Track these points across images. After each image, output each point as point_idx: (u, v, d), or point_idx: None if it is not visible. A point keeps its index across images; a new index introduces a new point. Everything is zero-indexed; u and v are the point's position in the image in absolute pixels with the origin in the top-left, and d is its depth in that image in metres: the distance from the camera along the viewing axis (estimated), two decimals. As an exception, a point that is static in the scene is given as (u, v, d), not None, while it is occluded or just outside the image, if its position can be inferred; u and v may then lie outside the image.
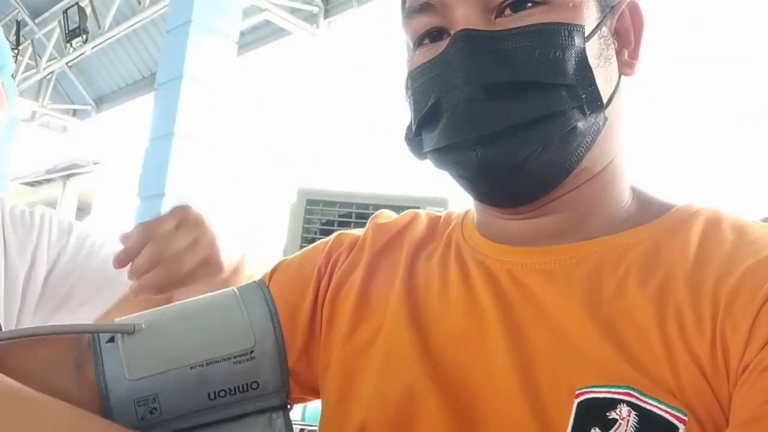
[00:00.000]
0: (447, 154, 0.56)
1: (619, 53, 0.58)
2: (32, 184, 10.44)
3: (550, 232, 0.57)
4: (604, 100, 0.54)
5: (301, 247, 1.65)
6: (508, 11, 0.54)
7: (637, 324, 0.49)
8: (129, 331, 0.53)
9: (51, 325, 0.53)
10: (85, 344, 0.55)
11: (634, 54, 0.59)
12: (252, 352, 0.55)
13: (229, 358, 0.54)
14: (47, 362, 0.56)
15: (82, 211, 9.95)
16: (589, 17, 0.55)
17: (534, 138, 0.52)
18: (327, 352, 0.62)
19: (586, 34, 0.54)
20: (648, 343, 0.48)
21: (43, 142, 9.42)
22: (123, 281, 0.79)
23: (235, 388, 0.54)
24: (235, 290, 0.60)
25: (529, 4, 0.53)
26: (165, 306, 0.59)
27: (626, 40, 0.59)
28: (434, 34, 0.57)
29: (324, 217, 1.47)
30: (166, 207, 3.65)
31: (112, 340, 0.54)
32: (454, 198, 1.75)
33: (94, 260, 0.93)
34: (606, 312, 0.51)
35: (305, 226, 1.48)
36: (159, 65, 4.80)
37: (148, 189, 4.14)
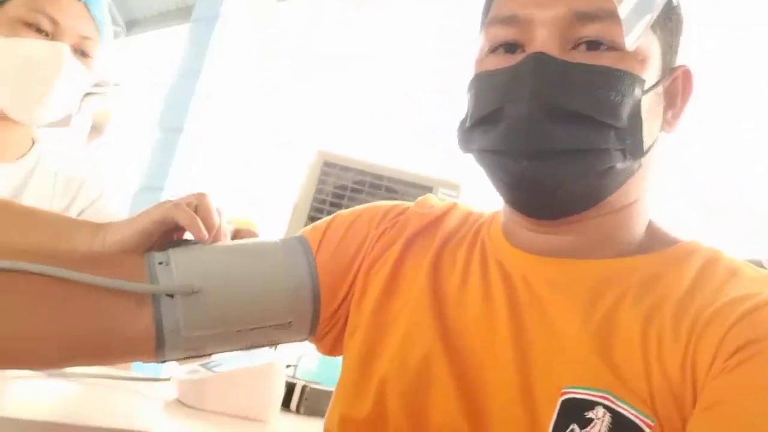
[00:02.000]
0: (494, 158, 0.60)
1: (664, 111, 0.62)
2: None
3: (563, 248, 0.62)
4: (644, 149, 0.59)
5: (312, 206, 1.66)
6: (583, 47, 0.58)
7: (623, 337, 0.55)
8: (188, 292, 0.58)
9: (113, 279, 0.58)
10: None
11: (676, 115, 0.64)
12: (290, 323, 0.63)
13: (270, 326, 0.62)
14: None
15: (96, 130, 9.92)
16: (651, 74, 0.59)
17: (576, 166, 0.57)
18: (355, 319, 0.68)
19: (645, 88, 0.58)
20: (629, 354, 0.54)
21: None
22: None
23: (270, 342, 0.64)
24: (282, 253, 0.65)
25: (604, 47, 0.57)
26: (217, 252, 0.63)
27: (673, 102, 0.64)
28: (510, 45, 0.61)
29: (338, 181, 1.49)
30: (182, 143, 3.60)
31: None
32: (466, 184, 1.76)
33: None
34: (598, 323, 0.56)
35: (318, 186, 1.50)
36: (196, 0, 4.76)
37: (168, 122, 4.14)
